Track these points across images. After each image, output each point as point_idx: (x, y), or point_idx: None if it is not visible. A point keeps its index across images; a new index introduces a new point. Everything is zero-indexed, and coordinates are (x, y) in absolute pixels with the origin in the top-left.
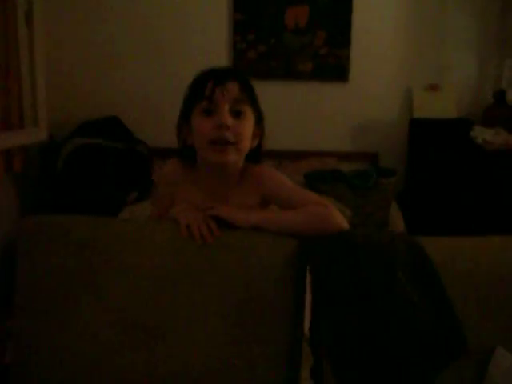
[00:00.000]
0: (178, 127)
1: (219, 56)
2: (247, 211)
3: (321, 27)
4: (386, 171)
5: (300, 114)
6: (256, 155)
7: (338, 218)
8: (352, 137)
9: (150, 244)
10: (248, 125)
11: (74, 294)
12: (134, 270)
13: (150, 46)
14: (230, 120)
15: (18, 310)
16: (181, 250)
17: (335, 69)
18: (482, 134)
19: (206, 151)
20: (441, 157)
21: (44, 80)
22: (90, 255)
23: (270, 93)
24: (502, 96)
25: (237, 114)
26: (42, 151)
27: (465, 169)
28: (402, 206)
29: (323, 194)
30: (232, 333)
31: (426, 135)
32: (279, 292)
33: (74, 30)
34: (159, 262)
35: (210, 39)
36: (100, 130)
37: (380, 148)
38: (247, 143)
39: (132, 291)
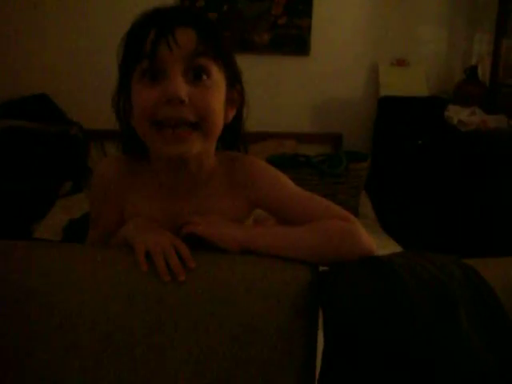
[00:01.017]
0: (115, 100)
1: None
2: (234, 225)
3: None
4: (356, 155)
5: (255, 91)
6: (234, 135)
7: (367, 237)
8: (313, 117)
9: (91, 285)
10: (216, 91)
11: None
12: (69, 324)
13: (82, 12)
14: (184, 88)
15: None
16: (140, 291)
17: (295, 41)
18: (458, 114)
19: (151, 138)
20: (411, 138)
21: None
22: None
23: None
24: (473, 72)
25: (196, 77)
26: None
27: (438, 151)
28: (369, 192)
29: None
30: None
31: (394, 115)
32: (285, 343)
33: None
34: (107, 311)
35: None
36: (26, 110)
37: (344, 129)
38: (218, 120)
39: (68, 357)
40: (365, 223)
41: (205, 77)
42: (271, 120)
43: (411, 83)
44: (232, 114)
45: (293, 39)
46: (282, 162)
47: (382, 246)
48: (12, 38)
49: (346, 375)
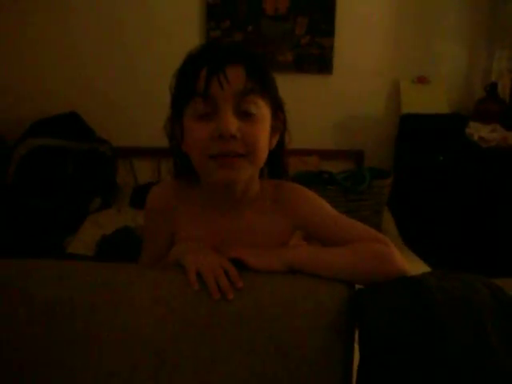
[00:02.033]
0: (168, 129)
1: (190, 46)
2: (275, 250)
3: (303, 13)
4: (379, 172)
5: None
6: (277, 162)
7: (401, 259)
8: (335, 134)
9: (146, 304)
10: (263, 124)
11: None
12: (124, 342)
13: (112, 32)
14: (235, 125)
15: None
16: (191, 310)
17: (318, 60)
18: (478, 131)
19: (205, 166)
20: (433, 155)
21: None
22: (58, 323)
23: None
24: (493, 89)
25: (246, 114)
26: None
27: (459, 168)
28: (391, 208)
29: None
30: None
31: (416, 131)
32: (323, 359)
33: (23, 17)
34: (160, 329)
35: (179, 26)
36: (57, 128)
37: (366, 146)
38: (264, 150)
39: (120, 373)
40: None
41: (254, 115)
42: (294, 137)
43: (432, 100)
44: (275, 140)
45: (316, 58)
46: (307, 179)
47: (406, 260)
48: (42, 58)
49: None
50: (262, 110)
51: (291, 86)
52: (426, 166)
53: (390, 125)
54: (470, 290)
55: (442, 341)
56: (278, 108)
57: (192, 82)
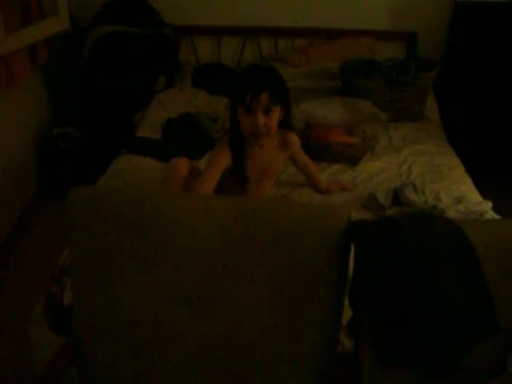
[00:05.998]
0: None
1: None
2: None
3: None
4: (425, 62)
5: None
6: (286, 120)
7: None
8: (390, 14)
9: (199, 225)
10: (276, 116)
11: (127, 270)
12: (183, 248)
13: None
14: (262, 120)
15: (74, 283)
16: (230, 229)
17: None
18: None
19: (247, 136)
20: (487, 44)
21: None
22: (140, 233)
23: None
24: None
25: (267, 112)
26: (65, 40)
27: None
28: (437, 95)
29: (358, 87)
30: (279, 299)
31: (472, 19)
32: (326, 264)
33: None
34: (209, 239)
35: None
36: (124, 12)
37: (419, 28)
38: (276, 127)
39: (182, 267)
40: (428, 128)
41: (271, 113)
42: (348, 16)
43: None
44: (282, 114)
45: None
46: (354, 68)
47: (440, 152)
48: None
49: (366, 291)
50: (276, 110)
51: None
52: (478, 55)
53: (446, 8)
54: (435, 231)
55: (405, 263)
56: (286, 106)
57: (241, 99)
